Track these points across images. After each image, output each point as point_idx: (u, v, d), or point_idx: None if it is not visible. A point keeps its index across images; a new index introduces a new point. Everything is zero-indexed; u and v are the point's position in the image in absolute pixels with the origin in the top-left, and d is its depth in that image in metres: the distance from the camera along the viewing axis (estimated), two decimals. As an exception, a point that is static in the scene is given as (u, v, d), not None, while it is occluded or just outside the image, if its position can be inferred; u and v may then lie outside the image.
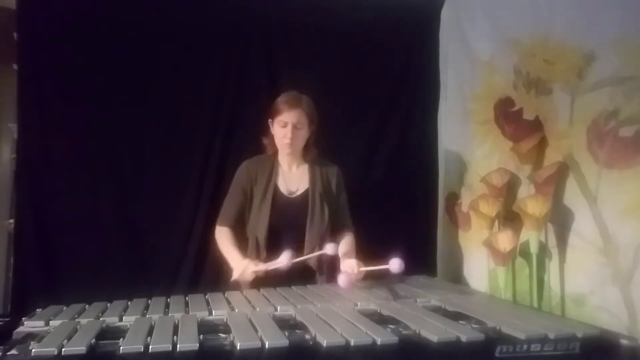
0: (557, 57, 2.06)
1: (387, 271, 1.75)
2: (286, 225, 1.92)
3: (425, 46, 2.71)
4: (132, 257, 2.27)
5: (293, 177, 2.01)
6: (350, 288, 1.74)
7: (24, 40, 2.13)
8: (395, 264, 1.73)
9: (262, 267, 1.82)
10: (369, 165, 2.64)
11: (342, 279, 1.74)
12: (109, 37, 2.23)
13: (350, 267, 1.81)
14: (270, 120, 1.98)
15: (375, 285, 1.89)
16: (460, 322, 1.40)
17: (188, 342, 1.17)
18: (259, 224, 1.92)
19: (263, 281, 1.84)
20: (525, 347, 1.24)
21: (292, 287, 1.79)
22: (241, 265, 1.83)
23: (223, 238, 1.98)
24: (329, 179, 2.04)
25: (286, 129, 1.90)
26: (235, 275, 1.85)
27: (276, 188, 1.97)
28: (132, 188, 2.28)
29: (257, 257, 1.90)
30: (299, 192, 1.99)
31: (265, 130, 2.02)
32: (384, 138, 2.67)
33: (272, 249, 1.88)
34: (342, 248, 1.94)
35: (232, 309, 1.51)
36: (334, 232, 2.02)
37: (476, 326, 1.36)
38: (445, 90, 2.73)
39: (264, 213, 1.92)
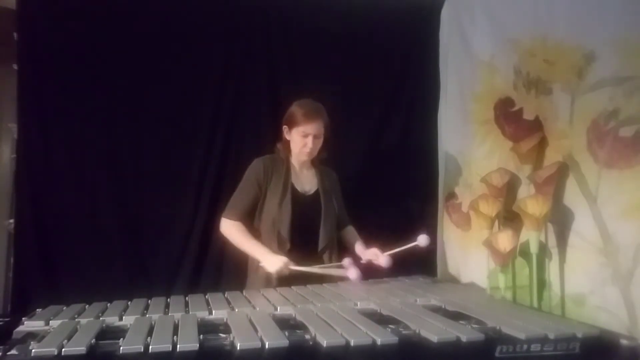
0: (557, 57, 2.06)
1: (415, 247, 1.99)
2: (304, 222, 2.01)
3: (425, 46, 2.71)
4: (132, 257, 2.27)
5: (305, 178, 2.12)
6: (360, 280, 1.87)
7: (24, 40, 2.13)
8: (423, 239, 1.99)
9: (314, 269, 1.91)
10: (369, 165, 2.64)
11: (352, 273, 1.87)
12: (109, 37, 2.23)
13: (374, 254, 2.03)
14: (286, 127, 2.05)
15: (375, 285, 1.89)
16: (460, 322, 1.40)
17: (188, 342, 1.17)
18: (282, 219, 1.99)
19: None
20: (525, 347, 1.24)
21: (292, 287, 1.80)
22: (278, 261, 1.89)
23: (238, 232, 2.02)
24: (330, 181, 2.17)
25: (307, 139, 2.00)
26: (271, 269, 1.89)
27: (293, 187, 2.06)
28: (132, 188, 2.28)
29: (281, 251, 1.97)
30: (311, 192, 2.10)
31: (279, 136, 2.08)
32: (384, 138, 2.67)
33: (294, 243, 1.99)
34: (352, 238, 2.20)
35: (232, 309, 1.51)
36: (338, 228, 2.19)
37: (476, 326, 1.36)
38: (445, 90, 2.73)
39: (286, 210, 2.00)
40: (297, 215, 2.00)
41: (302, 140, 2.01)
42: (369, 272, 2.00)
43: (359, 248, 2.14)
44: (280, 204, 2.01)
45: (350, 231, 2.23)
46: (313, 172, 2.15)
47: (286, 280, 1.89)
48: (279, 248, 1.98)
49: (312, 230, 2.03)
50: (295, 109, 2.02)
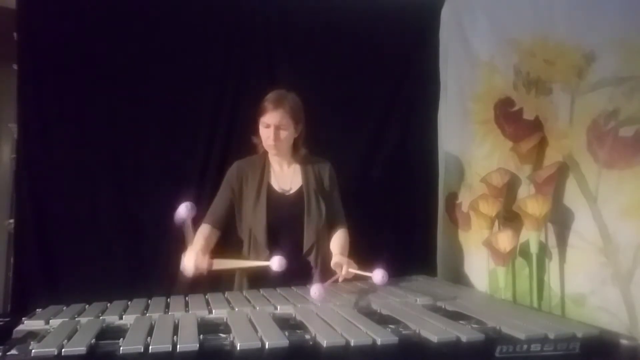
0: (557, 57, 2.06)
1: (370, 279, 1.71)
2: (283, 223, 1.92)
3: (425, 46, 2.71)
4: (132, 257, 2.27)
5: (285, 176, 2.01)
6: (323, 298, 1.58)
7: (24, 40, 2.12)
8: (378, 275, 1.67)
9: (224, 264, 1.78)
10: (368, 165, 2.64)
11: (314, 291, 1.57)
12: (108, 37, 2.23)
13: (338, 266, 1.80)
14: (257, 118, 1.94)
15: (375, 285, 1.89)
16: (460, 322, 1.40)
17: (188, 342, 1.17)
18: (257, 222, 1.91)
19: (261, 275, 1.85)
20: (525, 347, 1.24)
21: (292, 287, 1.80)
22: (190, 258, 1.76)
23: (198, 232, 1.90)
24: (321, 176, 2.03)
25: (269, 130, 1.88)
26: (187, 266, 1.77)
27: (270, 186, 1.97)
28: (132, 188, 2.28)
29: (257, 256, 1.91)
30: (293, 190, 1.98)
31: (255, 129, 1.99)
32: (383, 138, 2.67)
33: (272, 247, 1.89)
34: (334, 243, 1.96)
35: (232, 308, 1.52)
36: (328, 228, 2.01)
37: (476, 326, 1.36)
38: (445, 90, 2.73)
39: (260, 212, 1.92)
40: (275, 217, 1.90)
41: (265, 132, 1.90)
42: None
43: (333, 246, 1.93)
44: (254, 206, 1.92)
45: (337, 238, 1.98)
46: (297, 167, 2.00)
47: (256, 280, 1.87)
48: (258, 255, 1.89)
49: (295, 231, 1.91)
50: (266, 97, 1.91)
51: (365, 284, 1.89)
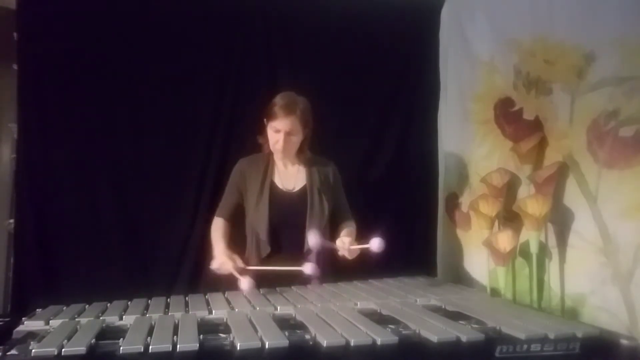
0: (557, 57, 2.06)
1: (369, 250, 1.77)
2: (286, 221, 1.92)
3: (425, 46, 2.71)
4: (132, 257, 2.27)
5: (289, 175, 2.02)
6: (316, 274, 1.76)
7: (24, 40, 2.12)
8: (375, 244, 1.74)
9: (267, 268, 1.84)
10: (369, 165, 2.64)
11: (307, 267, 1.75)
12: (109, 37, 2.23)
13: (341, 241, 1.81)
14: (265, 119, 1.95)
15: (375, 285, 1.89)
16: (460, 322, 1.40)
17: (188, 342, 1.17)
18: (259, 220, 1.92)
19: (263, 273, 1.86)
20: (525, 347, 1.24)
21: (292, 287, 1.80)
22: (220, 259, 1.86)
23: (215, 227, 2.01)
24: (326, 175, 2.04)
25: (279, 134, 1.89)
26: (213, 264, 1.88)
27: (273, 184, 1.98)
28: (132, 188, 2.28)
29: (259, 253, 1.92)
30: (296, 189, 2.00)
31: (261, 129, 2.00)
32: (384, 138, 2.67)
33: (274, 245, 1.91)
34: (341, 231, 1.98)
35: (232, 309, 1.52)
36: (336, 226, 2.04)
37: (476, 326, 1.36)
38: (445, 90, 2.73)
39: (262, 209, 1.92)
40: (278, 214, 1.91)
41: (274, 136, 1.90)
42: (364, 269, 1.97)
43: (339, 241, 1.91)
44: (256, 204, 1.93)
45: (346, 228, 2.01)
46: (301, 167, 2.02)
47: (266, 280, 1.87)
48: (258, 252, 1.92)
49: (298, 229, 1.91)
50: (273, 101, 1.91)
51: (365, 284, 1.90)
